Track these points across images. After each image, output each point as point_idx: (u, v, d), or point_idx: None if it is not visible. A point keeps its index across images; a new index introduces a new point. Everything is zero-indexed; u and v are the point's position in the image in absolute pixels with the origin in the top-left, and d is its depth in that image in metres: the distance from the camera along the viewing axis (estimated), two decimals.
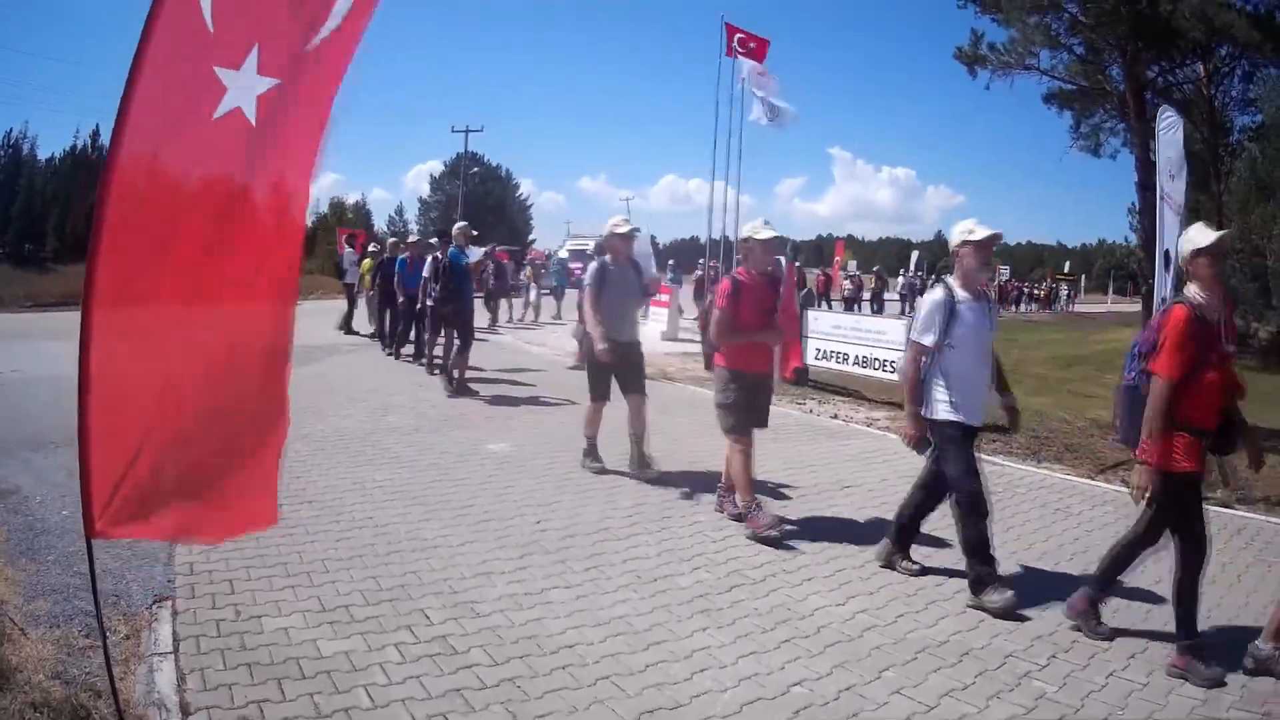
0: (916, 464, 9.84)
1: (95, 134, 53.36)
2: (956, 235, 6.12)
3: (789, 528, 7.29)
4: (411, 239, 18.75)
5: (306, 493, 7.66)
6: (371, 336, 20.62)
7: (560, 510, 7.63)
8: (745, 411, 7.50)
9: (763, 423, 7.80)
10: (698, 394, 14.21)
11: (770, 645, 5.17)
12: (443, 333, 14.64)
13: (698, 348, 21.85)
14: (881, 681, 4.80)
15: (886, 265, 67.90)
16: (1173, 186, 10.10)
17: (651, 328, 25.08)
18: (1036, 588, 6.23)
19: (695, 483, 8.48)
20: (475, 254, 15.76)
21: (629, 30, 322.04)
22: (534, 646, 4.96)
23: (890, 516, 6.65)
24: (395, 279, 17.25)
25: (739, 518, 7.40)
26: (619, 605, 5.63)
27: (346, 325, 22.17)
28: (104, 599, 4.51)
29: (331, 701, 4.23)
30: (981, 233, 5.99)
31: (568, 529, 7.11)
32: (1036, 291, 69.28)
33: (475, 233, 16.04)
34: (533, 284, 30.66)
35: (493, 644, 4.96)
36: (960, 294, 6.02)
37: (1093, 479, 9.90)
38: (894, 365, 14.09)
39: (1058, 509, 8.47)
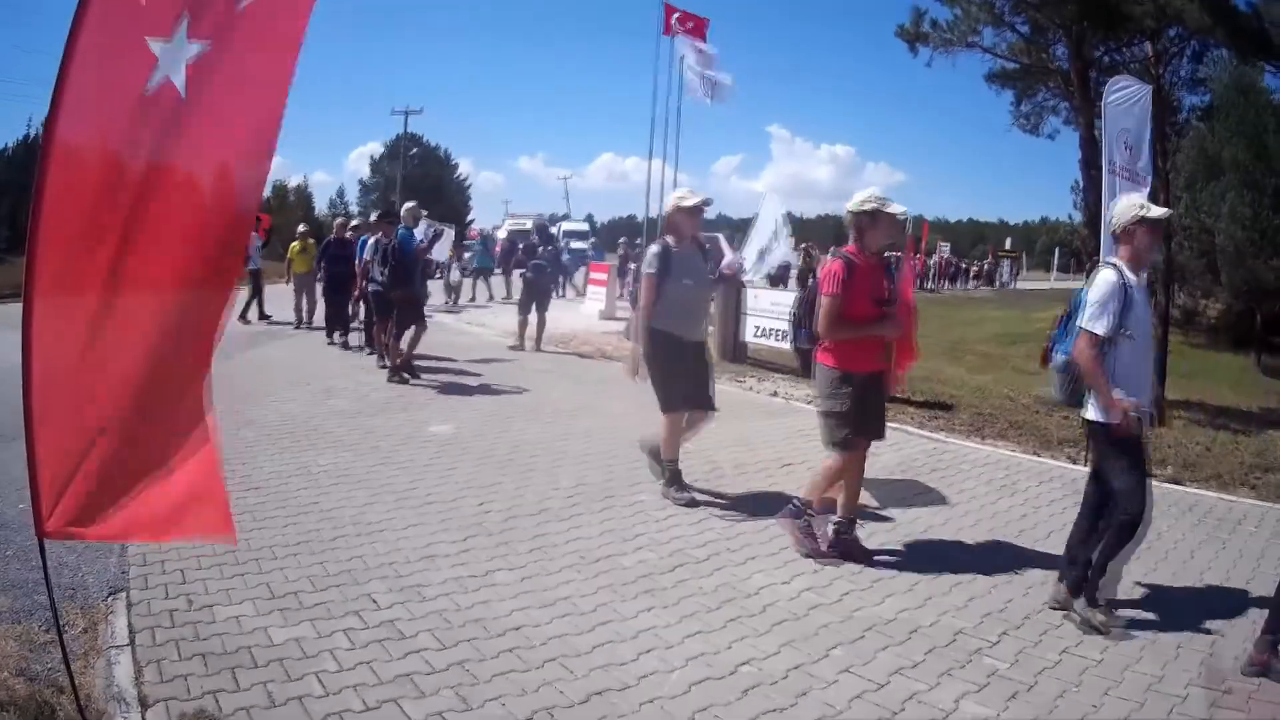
0: None
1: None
2: (1127, 213, 5.48)
3: (729, 510, 7.44)
4: (374, 217, 16.20)
5: (253, 479, 7.65)
6: (298, 325, 19.85)
7: (502, 492, 7.68)
8: (860, 420, 6.41)
9: (880, 433, 6.76)
10: None
11: (716, 624, 5.24)
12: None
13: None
14: (830, 660, 4.86)
15: (824, 243, 68.02)
16: (1128, 157, 10.15)
17: (589, 306, 25.18)
18: (985, 564, 6.38)
19: (638, 463, 8.57)
20: (421, 233, 15.22)
21: (568, 8, 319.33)
22: (481, 629, 5.02)
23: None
24: (365, 262, 14.94)
25: (815, 552, 6.44)
26: (564, 586, 5.70)
27: (245, 313, 20.46)
28: (61, 592, 4.54)
29: (285, 690, 4.27)
30: (1157, 211, 5.47)
31: (510, 510, 7.17)
32: (974, 268, 69.69)
33: (425, 211, 15.54)
34: (454, 265, 29.69)
35: (440, 628, 5.02)
36: (1130, 276, 5.43)
37: (1038, 455, 10.10)
38: None
39: (1004, 485, 8.60)
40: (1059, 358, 5.58)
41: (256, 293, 21.07)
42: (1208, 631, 5.40)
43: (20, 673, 4.32)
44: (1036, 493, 8.43)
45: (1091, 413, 5.44)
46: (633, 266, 10.33)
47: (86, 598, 5.26)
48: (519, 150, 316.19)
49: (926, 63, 22.66)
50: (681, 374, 7.62)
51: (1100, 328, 5.22)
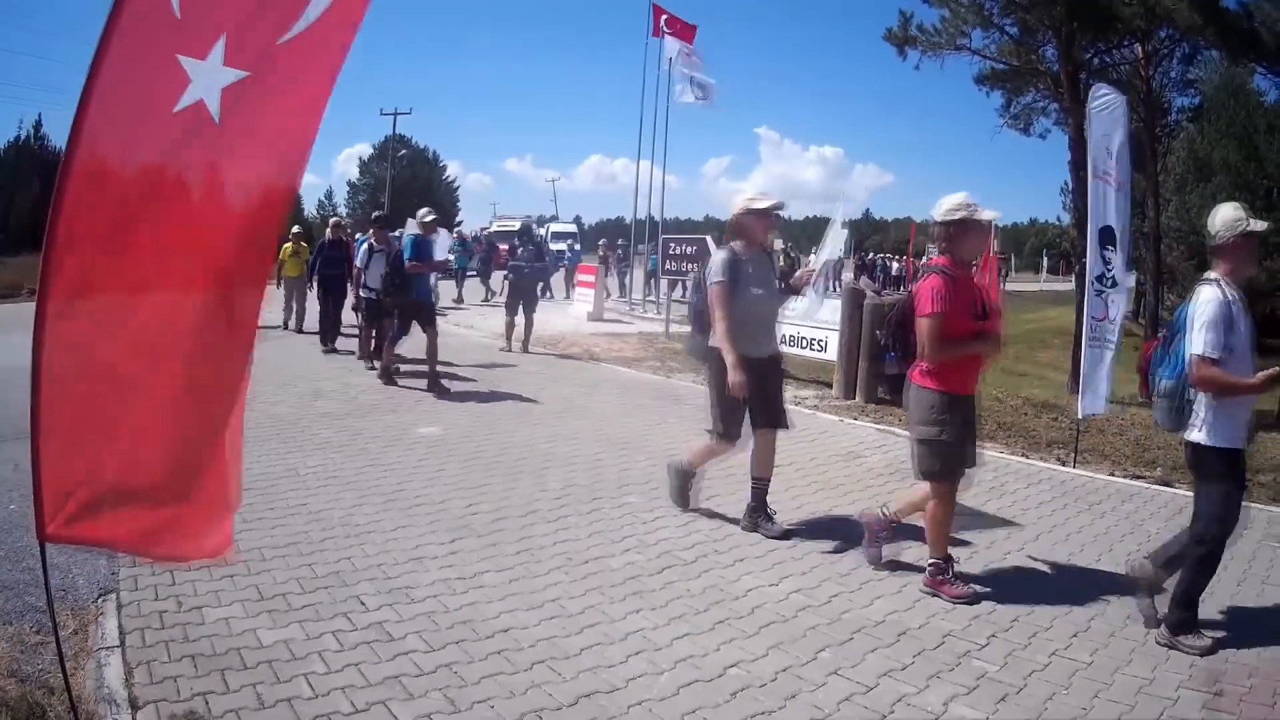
0: (845, 439, 10.08)
1: (38, 125, 51.95)
2: (1230, 227, 5.21)
3: (717, 512, 7.42)
4: (430, 217, 14.14)
5: (241, 480, 7.57)
6: (284, 326, 19.52)
7: (490, 493, 7.67)
8: (960, 449, 5.92)
9: (975, 460, 6.28)
10: (626, 375, 14.40)
11: (705, 627, 5.23)
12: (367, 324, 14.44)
13: (624, 328, 22.11)
14: (818, 662, 4.86)
15: (813, 245, 68.05)
16: (1111, 163, 10.15)
17: (578, 307, 25.17)
18: (973, 566, 6.35)
19: (626, 465, 8.58)
20: (443, 243, 14.87)
21: (556, 10, 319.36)
22: (469, 631, 5.02)
23: (820, 494, 6.62)
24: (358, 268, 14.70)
25: (875, 560, 6.31)
26: (551, 588, 5.70)
27: None
28: (53, 594, 4.53)
29: (274, 691, 4.26)
30: (1259, 224, 5.19)
31: (498, 511, 7.16)
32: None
33: (434, 216, 14.17)
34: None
35: (428, 630, 5.02)
36: (1232, 293, 5.15)
37: (1026, 457, 10.10)
38: (821, 344, 14.28)
39: (992, 488, 8.55)
40: (1164, 383, 5.34)
41: None
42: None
43: (12, 674, 4.32)
44: (1025, 495, 8.43)
45: (1197, 435, 5.22)
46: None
47: (77, 599, 5.24)
48: (507, 152, 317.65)
49: (915, 66, 22.72)
50: (750, 397, 6.79)
51: (1212, 350, 5.00)
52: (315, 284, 17.85)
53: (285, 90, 3.62)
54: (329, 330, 16.97)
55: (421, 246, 13.47)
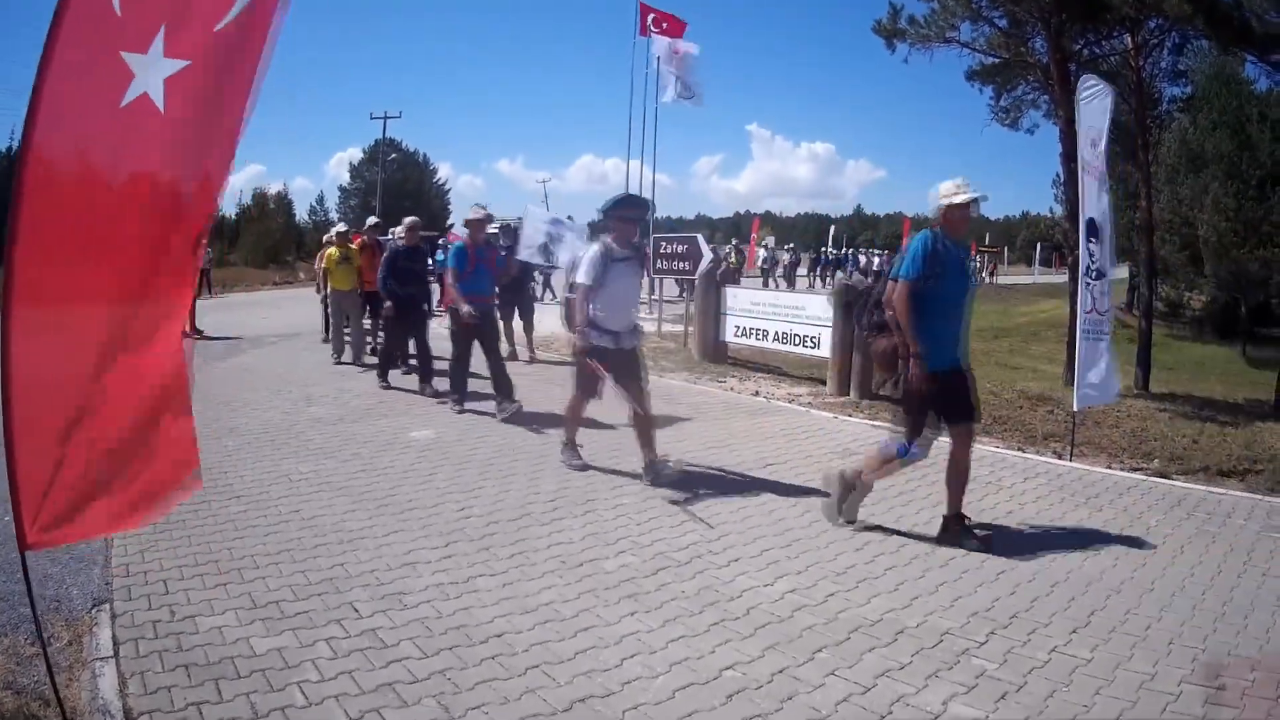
0: (839, 439, 10.06)
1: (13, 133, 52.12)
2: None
3: (711, 512, 7.38)
4: (480, 213, 11.95)
5: (234, 487, 7.62)
6: (326, 338, 16.74)
7: (483, 496, 7.65)
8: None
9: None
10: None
11: (700, 629, 5.21)
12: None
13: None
14: (815, 663, 4.83)
15: (803, 241, 68.15)
16: (1093, 154, 10.12)
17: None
18: (971, 563, 6.35)
19: (619, 466, 8.59)
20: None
21: (544, 9, 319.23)
22: (463, 637, 4.99)
23: (815, 492, 6.57)
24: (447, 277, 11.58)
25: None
26: (545, 592, 5.67)
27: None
28: (45, 604, 4.52)
29: (267, 700, 4.24)
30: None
31: (491, 515, 7.14)
32: None
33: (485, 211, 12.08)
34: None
35: (422, 636, 4.99)
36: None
37: (1023, 451, 10.08)
38: (813, 340, 14.27)
39: (989, 482, 8.53)
40: None
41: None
42: (1200, 627, 5.36)
43: (7, 685, 4.33)
44: (1022, 489, 8.40)
45: None
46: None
47: (71, 610, 5.24)
48: (498, 153, 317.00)
49: (904, 59, 22.67)
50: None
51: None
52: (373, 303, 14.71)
53: (223, 76, 3.73)
54: (392, 363, 13.82)
55: (463, 255, 11.37)
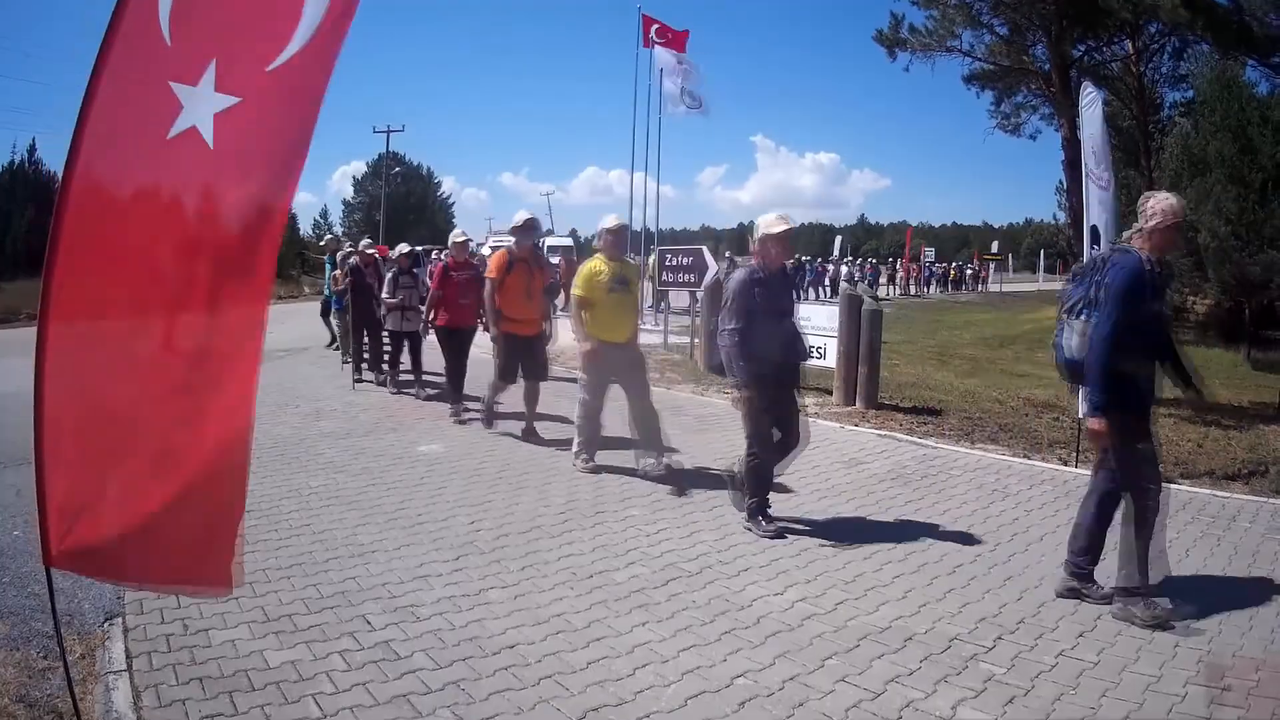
0: (847, 446, 10.07)
1: (33, 148, 51.70)
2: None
3: (721, 522, 7.39)
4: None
5: (246, 502, 7.59)
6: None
7: (493, 509, 7.68)
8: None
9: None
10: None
11: (711, 638, 5.22)
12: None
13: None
14: (825, 670, 4.85)
15: (809, 252, 68.05)
16: (1095, 161, 10.15)
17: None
18: (978, 569, 6.39)
19: (628, 479, 8.61)
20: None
21: (547, 22, 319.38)
22: (476, 648, 5.02)
23: (823, 501, 6.61)
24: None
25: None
26: (557, 603, 5.70)
27: None
28: (59, 619, 4.53)
29: (282, 713, 4.27)
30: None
31: (501, 528, 7.16)
32: (947, 272, 69.41)
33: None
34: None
35: (435, 647, 5.02)
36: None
37: (1028, 458, 10.07)
38: (819, 351, 14.27)
39: (995, 490, 8.57)
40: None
41: None
42: (1205, 629, 5.39)
43: (20, 699, 4.34)
44: (1028, 496, 8.41)
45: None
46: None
47: (83, 623, 5.26)
48: (502, 166, 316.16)
49: (905, 67, 22.75)
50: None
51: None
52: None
53: (275, 116, 3.65)
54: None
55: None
